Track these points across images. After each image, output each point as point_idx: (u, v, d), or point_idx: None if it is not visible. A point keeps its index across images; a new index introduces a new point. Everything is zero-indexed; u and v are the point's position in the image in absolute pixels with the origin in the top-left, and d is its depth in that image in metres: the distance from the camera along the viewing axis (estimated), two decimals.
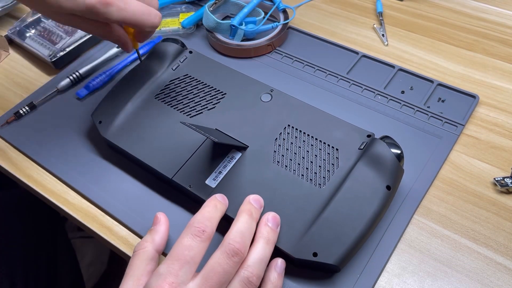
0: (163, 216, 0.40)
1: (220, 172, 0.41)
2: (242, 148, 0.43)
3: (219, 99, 0.47)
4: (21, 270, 0.62)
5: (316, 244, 0.36)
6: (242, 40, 0.57)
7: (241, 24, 0.57)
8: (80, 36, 0.59)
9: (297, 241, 0.37)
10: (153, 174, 0.45)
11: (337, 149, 0.41)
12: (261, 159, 0.42)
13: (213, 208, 0.36)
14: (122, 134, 0.45)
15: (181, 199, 0.44)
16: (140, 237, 0.42)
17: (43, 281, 0.64)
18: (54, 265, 0.68)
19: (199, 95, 0.47)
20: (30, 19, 0.61)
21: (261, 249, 0.35)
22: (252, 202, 0.37)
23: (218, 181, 0.41)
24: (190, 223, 0.34)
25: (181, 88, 0.48)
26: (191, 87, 0.48)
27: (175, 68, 0.50)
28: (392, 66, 0.54)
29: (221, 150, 0.43)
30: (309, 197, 0.39)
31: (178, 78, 0.49)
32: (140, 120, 0.46)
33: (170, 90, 0.48)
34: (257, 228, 0.36)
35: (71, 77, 0.55)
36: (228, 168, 0.42)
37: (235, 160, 0.42)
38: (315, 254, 0.36)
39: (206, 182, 0.41)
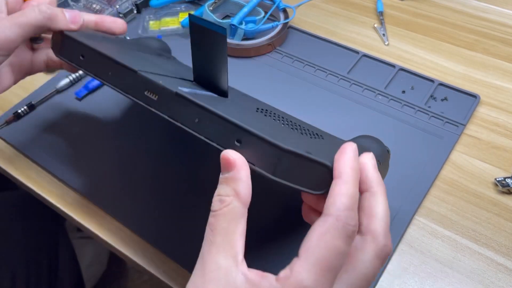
0: (238, 156, 0.26)
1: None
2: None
3: None
4: (23, 270, 0.62)
5: None
6: (242, 40, 0.57)
7: (241, 23, 0.56)
8: None
9: None
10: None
11: None
12: None
13: (355, 189, 0.25)
14: None
15: (179, 199, 0.43)
16: (140, 237, 0.42)
17: (45, 282, 0.64)
18: (56, 266, 0.68)
19: None
20: None
21: (386, 213, 0.26)
22: (354, 157, 0.26)
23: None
24: (337, 215, 0.24)
25: None
26: None
27: None
28: (393, 66, 0.54)
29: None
30: None
31: None
32: None
33: None
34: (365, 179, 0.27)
35: (70, 77, 0.55)
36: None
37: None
38: None
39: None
